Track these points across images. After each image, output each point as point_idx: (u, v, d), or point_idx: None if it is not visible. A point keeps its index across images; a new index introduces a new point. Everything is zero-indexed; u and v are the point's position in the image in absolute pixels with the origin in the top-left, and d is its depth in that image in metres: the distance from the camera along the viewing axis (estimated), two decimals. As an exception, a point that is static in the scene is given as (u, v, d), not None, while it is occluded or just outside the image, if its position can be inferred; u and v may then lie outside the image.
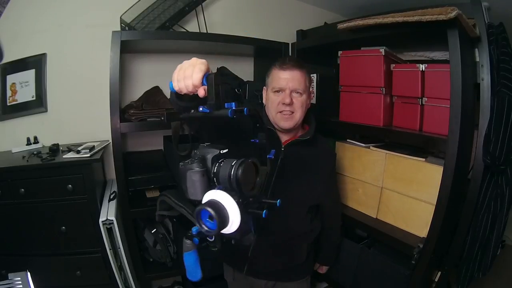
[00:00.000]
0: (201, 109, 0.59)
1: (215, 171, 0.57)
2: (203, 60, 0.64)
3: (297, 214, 1.14)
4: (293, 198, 1.09)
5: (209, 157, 0.58)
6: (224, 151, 0.59)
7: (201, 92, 0.62)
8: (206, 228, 0.52)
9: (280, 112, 1.07)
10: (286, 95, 1.05)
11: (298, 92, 1.07)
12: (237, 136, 0.66)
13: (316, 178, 1.15)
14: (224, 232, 0.54)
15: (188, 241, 0.62)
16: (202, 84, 0.62)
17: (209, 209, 0.51)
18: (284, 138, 1.13)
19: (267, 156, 0.70)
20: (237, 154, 0.58)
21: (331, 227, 1.31)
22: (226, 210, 0.52)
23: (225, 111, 0.57)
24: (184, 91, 0.64)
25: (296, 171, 1.11)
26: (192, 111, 0.63)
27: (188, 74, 0.62)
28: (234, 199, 0.52)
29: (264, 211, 0.58)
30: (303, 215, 1.15)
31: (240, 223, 0.52)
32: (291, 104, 1.05)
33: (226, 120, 0.58)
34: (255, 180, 0.59)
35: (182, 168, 0.57)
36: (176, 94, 0.68)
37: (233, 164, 0.55)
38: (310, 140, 1.12)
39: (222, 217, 0.51)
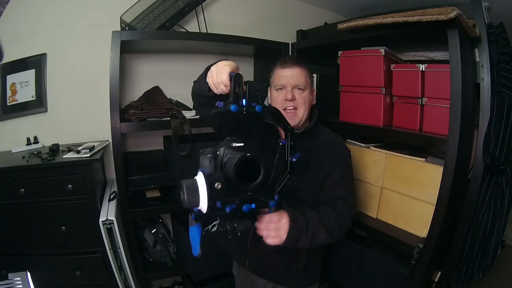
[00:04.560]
0: (217, 104, 0.71)
1: (225, 160, 0.65)
2: (230, 62, 0.80)
3: None
4: (289, 195, 1.05)
5: (222, 149, 0.67)
6: (238, 144, 0.68)
7: (223, 88, 0.78)
8: (181, 199, 0.62)
9: (284, 109, 1.08)
10: (288, 91, 1.07)
11: (299, 88, 1.08)
12: (258, 134, 0.81)
13: (316, 173, 1.07)
14: (197, 209, 0.63)
15: (190, 216, 0.71)
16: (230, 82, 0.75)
17: (182, 183, 0.61)
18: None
19: (291, 158, 0.79)
20: (261, 152, 0.70)
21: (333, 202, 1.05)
22: (198, 190, 0.61)
23: (229, 107, 0.67)
24: (216, 87, 0.80)
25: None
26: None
27: (219, 71, 0.77)
28: (208, 182, 0.61)
29: (230, 205, 0.65)
30: None
31: (209, 204, 0.61)
32: (293, 99, 1.07)
33: (241, 117, 0.69)
34: (258, 173, 0.64)
35: (199, 153, 0.68)
36: (209, 89, 0.85)
37: (236, 156, 0.63)
38: (309, 132, 1.10)
39: (190, 193, 0.61)
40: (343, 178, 1.09)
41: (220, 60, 0.86)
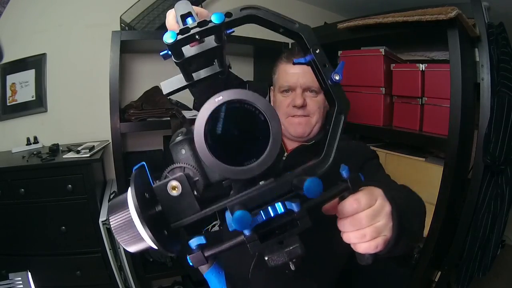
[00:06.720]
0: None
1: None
2: None
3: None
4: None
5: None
6: (218, 98, 0.33)
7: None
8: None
9: (292, 116, 0.83)
10: (297, 95, 0.81)
11: (312, 91, 0.82)
12: None
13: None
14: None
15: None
16: None
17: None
18: (291, 145, 0.88)
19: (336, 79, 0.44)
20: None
21: None
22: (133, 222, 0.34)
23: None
24: None
25: None
26: None
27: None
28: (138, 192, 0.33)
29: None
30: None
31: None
32: (304, 106, 0.81)
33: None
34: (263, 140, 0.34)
35: (170, 144, 0.42)
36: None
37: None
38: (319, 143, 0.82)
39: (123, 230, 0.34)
40: (378, 174, 0.83)
41: None
